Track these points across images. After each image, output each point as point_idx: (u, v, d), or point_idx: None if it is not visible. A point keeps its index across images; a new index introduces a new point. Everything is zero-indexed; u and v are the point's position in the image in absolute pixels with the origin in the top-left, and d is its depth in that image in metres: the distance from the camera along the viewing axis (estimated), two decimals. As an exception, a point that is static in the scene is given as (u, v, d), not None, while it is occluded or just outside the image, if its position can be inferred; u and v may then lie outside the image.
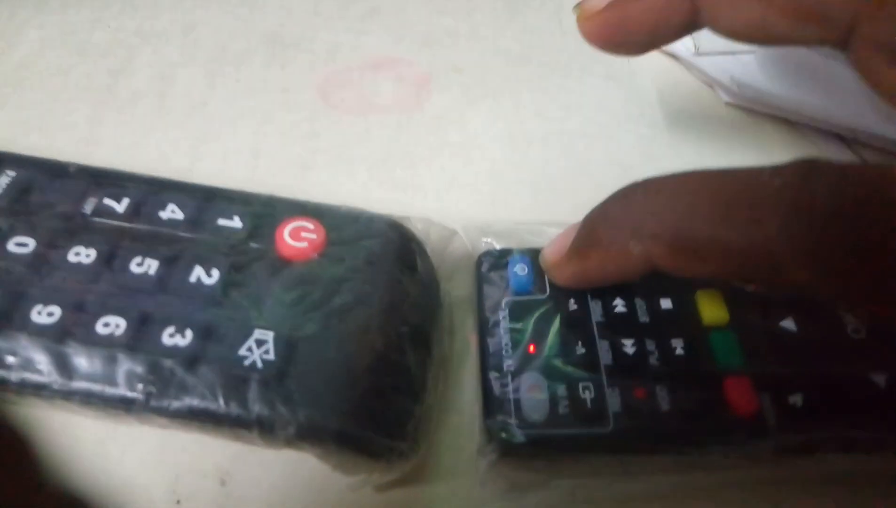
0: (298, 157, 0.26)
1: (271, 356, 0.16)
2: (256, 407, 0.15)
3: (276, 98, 0.28)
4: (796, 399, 0.17)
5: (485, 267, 0.21)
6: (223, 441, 0.17)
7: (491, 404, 0.18)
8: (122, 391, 0.15)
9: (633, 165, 0.26)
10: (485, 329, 0.19)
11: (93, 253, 0.17)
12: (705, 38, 0.32)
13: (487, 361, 0.19)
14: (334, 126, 0.27)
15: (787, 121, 0.28)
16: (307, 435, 0.15)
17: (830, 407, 0.17)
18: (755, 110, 0.29)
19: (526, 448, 0.17)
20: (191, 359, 0.15)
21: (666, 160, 0.27)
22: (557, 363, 0.18)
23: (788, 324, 0.19)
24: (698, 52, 0.32)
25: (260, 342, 0.16)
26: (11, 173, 0.18)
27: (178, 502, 0.17)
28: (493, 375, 0.18)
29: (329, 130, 0.27)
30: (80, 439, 0.18)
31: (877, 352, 0.18)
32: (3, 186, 0.18)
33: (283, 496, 0.17)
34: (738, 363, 0.18)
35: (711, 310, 0.19)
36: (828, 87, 0.28)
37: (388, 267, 0.18)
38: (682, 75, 0.31)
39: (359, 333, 0.17)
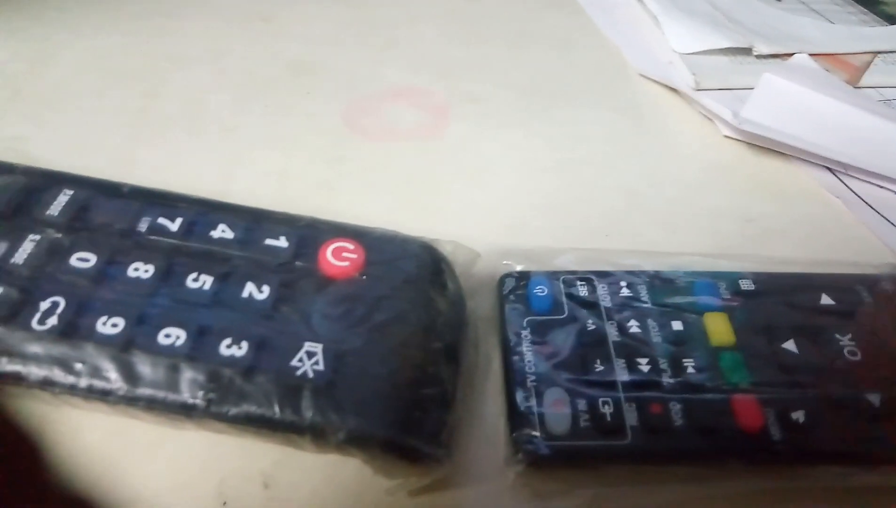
0: (325, 179, 0.27)
1: (321, 367, 0.17)
2: (309, 414, 0.16)
3: (302, 123, 0.29)
4: (798, 416, 0.19)
5: (506, 288, 0.22)
6: (266, 447, 0.18)
7: (517, 418, 0.19)
8: (184, 397, 0.16)
9: (638, 192, 0.28)
10: (508, 347, 0.20)
11: (151, 269, 0.18)
12: (705, 74, 0.34)
13: (512, 377, 0.20)
14: (358, 151, 0.28)
15: (781, 154, 0.30)
16: (356, 441, 0.16)
17: (830, 423, 0.19)
18: (751, 144, 0.31)
19: (550, 460, 0.18)
20: (247, 369, 0.17)
21: (668, 188, 0.28)
22: (578, 379, 0.19)
23: (790, 346, 0.20)
24: (699, 88, 0.34)
25: (310, 354, 0.17)
26: (69, 192, 0.19)
27: (224, 504, 0.18)
28: (518, 391, 0.19)
29: (353, 155, 0.28)
30: (131, 444, 0.19)
31: (872, 373, 0.20)
32: (63, 204, 0.19)
33: (322, 498, 0.18)
34: (745, 382, 0.19)
35: (719, 332, 0.20)
36: (820, 123, 0.30)
37: (422, 286, 0.19)
38: (684, 108, 0.33)
39: (399, 347, 0.18)
